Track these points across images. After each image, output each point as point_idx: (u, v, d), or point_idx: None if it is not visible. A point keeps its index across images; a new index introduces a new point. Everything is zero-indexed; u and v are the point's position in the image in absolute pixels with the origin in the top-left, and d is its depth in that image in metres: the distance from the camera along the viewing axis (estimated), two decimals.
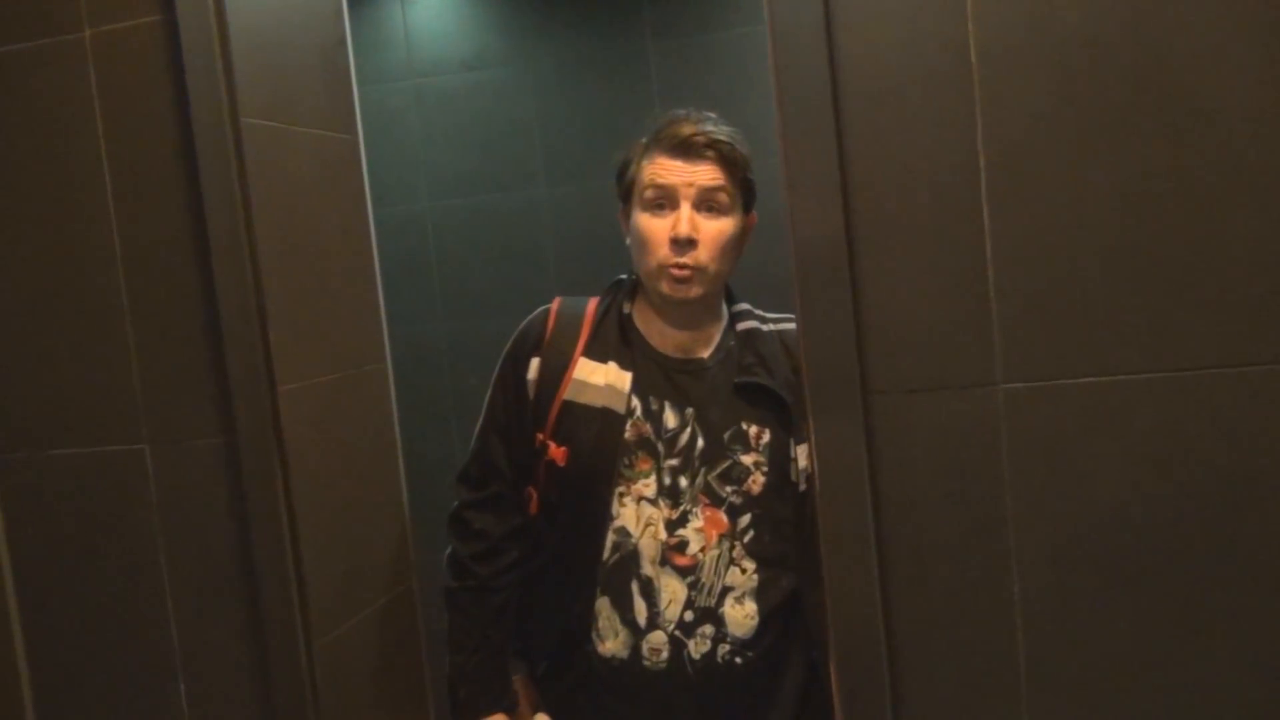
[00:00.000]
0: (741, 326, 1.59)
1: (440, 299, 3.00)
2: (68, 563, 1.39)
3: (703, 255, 1.48)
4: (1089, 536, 1.02)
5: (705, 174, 1.49)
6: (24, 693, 1.39)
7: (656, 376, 1.55)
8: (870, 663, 1.05)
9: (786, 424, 1.52)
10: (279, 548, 1.26)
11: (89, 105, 1.32)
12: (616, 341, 1.57)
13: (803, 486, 1.48)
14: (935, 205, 1.02)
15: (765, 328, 1.59)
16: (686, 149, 1.49)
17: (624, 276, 1.65)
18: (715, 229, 1.49)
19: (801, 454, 1.49)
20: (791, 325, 1.56)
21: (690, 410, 1.52)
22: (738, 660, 1.50)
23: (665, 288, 1.50)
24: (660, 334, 1.57)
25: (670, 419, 1.52)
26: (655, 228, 1.50)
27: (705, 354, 1.57)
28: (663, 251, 1.49)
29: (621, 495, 1.50)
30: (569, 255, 2.90)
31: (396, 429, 1.57)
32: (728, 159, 1.50)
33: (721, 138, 1.50)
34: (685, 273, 1.48)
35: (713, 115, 1.55)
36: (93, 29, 1.31)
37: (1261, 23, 0.94)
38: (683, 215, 1.48)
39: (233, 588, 1.32)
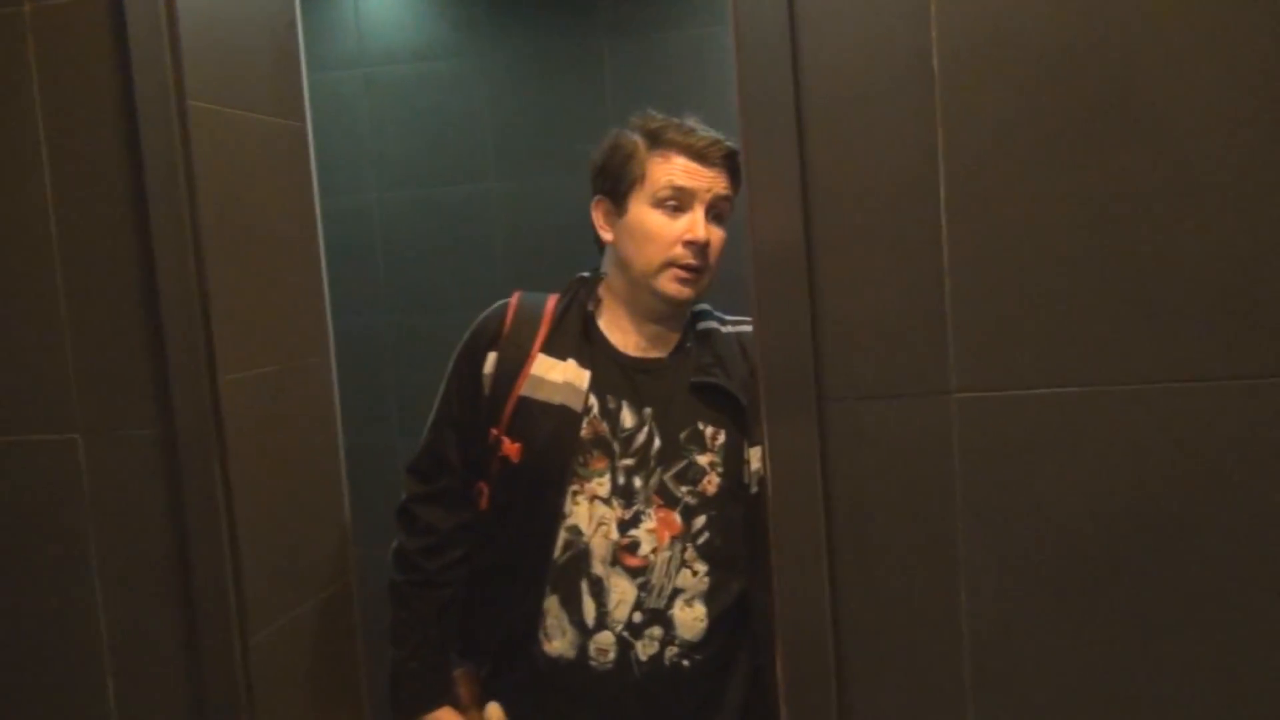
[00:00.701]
0: (701, 327, 1.59)
1: (385, 292, 2.96)
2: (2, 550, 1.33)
3: (710, 260, 1.52)
4: (1039, 548, 1.02)
5: (719, 182, 1.52)
6: None
7: (615, 375, 1.54)
8: (817, 670, 1.04)
9: (742, 425, 1.51)
10: (215, 542, 1.22)
11: (27, 81, 1.27)
12: (577, 339, 1.57)
13: (754, 489, 1.48)
14: (894, 211, 1.02)
15: (724, 329, 1.60)
16: (705, 156, 1.51)
17: (585, 274, 1.64)
18: (720, 237, 1.53)
19: (754, 456, 1.48)
20: (749, 328, 1.57)
21: (647, 410, 1.52)
22: (685, 663, 1.49)
23: (666, 284, 1.51)
24: (622, 333, 1.57)
25: (627, 418, 1.52)
26: (667, 227, 1.50)
27: (664, 354, 1.57)
28: (675, 250, 1.50)
29: (575, 494, 1.49)
30: (517, 250, 2.88)
31: (339, 423, 1.53)
32: (735, 172, 1.53)
33: (734, 149, 1.52)
34: (692, 275, 1.50)
35: (701, 119, 1.57)
36: (33, 2, 1.27)
37: (1222, 36, 0.95)
38: (699, 219, 1.49)
39: (165, 582, 1.28)
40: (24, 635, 1.34)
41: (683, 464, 1.50)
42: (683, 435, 1.51)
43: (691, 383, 1.52)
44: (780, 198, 1.01)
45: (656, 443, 1.50)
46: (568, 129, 2.85)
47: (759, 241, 1.02)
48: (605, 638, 1.49)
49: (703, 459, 1.50)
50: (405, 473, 1.64)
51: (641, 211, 1.52)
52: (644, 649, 1.48)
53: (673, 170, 1.51)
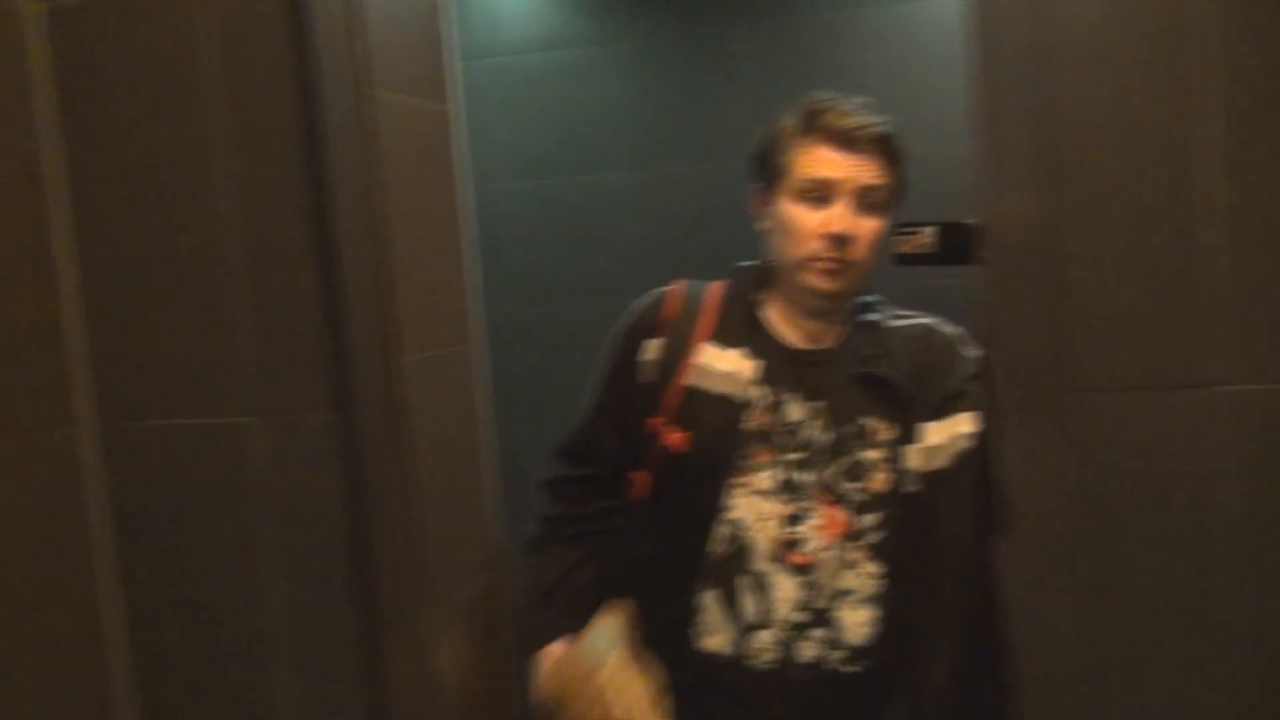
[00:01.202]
0: (865, 318, 1.53)
1: (510, 283, 2.94)
2: (171, 537, 1.34)
3: (856, 253, 1.43)
4: None
5: (867, 170, 1.43)
6: (122, 668, 1.34)
7: (781, 367, 1.49)
8: (1064, 684, 0.96)
9: (907, 421, 1.45)
10: (394, 527, 1.20)
11: (211, 65, 1.26)
12: (742, 329, 1.52)
13: (911, 488, 1.42)
14: (1146, 188, 0.93)
15: (891, 322, 1.53)
16: (849, 142, 1.43)
17: (746, 263, 1.59)
18: (870, 228, 1.44)
19: (913, 455, 1.42)
20: (919, 322, 1.52)
21: (814, 404, 1.46)
22: (847, 668, 1.43)
23: (812, 279, 1.45)
24: (788, 324, 1.52)
25: (793, 411, 1.46)
26: (806, 220, 1.44)
27: (830, 346, 1.51)
28: (813, 244, 1.43)
29: (736, 487, 1.44)
30: (646, 241, 2.84)
31: (491, 409, 1.52)
32: (891, 155, 1.45)
33: (887, 132, 1.44)
34: (835, 265, 1.43)
35: (864, 101, 1.48)
36: None
37: None
38: (839, 212, 1.42)
39: (338, 568, 1.26)
40: (202, 615, 1.34)
41: (849, 460, 1.45)
42: (849, 430, 1.46)
43: (855, 373, 1.47)
44: (1020, 169, 0.93)
45: (823, 437, 1.45)
46: (700, 118, 2.80)
47: (995, 224, 0.94)
48: (765, 636, 1.43)
49: (870, 454, 1.45)
50: (553, 455, 1.60)
51: (785, 204, 1.47)
52: (805, 650, 1.43)
53: (814, 161, 1.44)
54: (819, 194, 1.43)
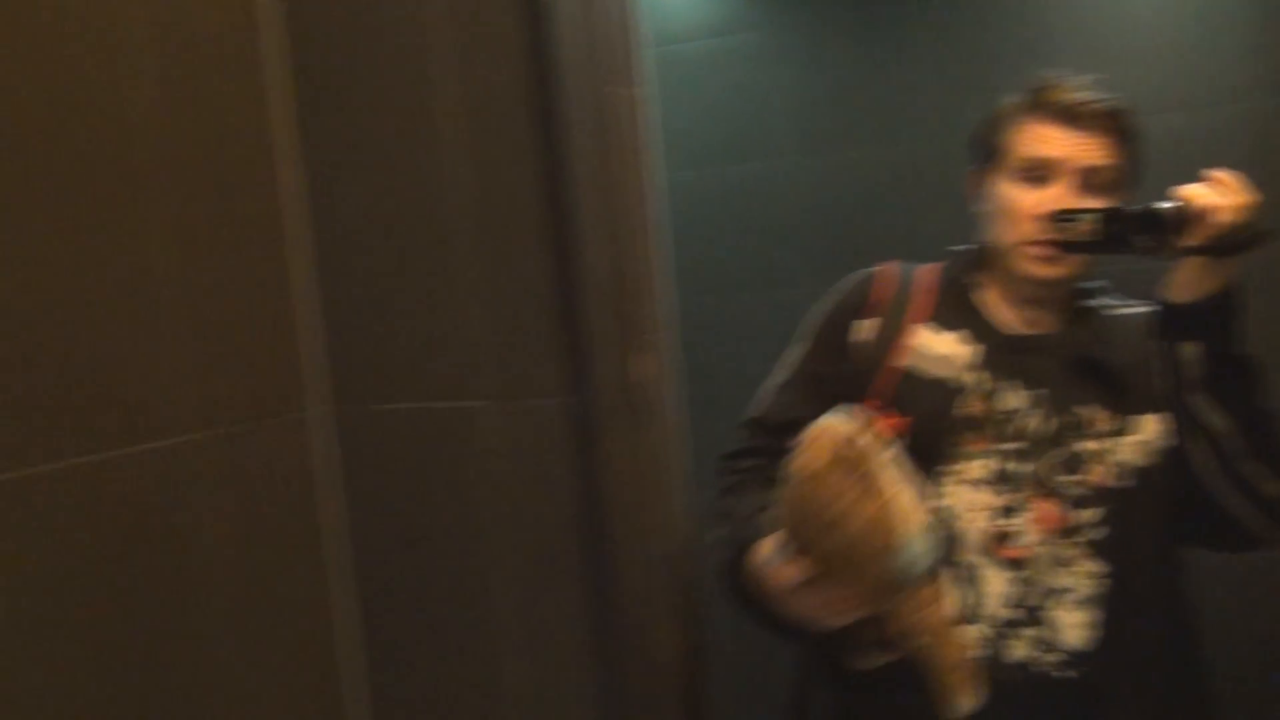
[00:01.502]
0: (1087, 304, 1.47)
1: (677, 273, 2.92)
2: (401, 522, 1.34)
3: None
4: None
5: (1092, 149, 1.37)
6: (352, 650, 1.36)
7: (998, 353, 1.43)
8: None
9: (1126, 412, 1.38)
10: (631, 512, 1.19)
11: (442, 41, 1.25)
12: (958, 312, 1.47)
13: (1124, 483, 1.35)
14: None
15: (1114, 310, 1.47)
16: (1074, 118, 1.37)
17: (960, 247, 1.55)
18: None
19: (1128, 448, 1.35)
20: (1143, 310, 1.44)
21: (1032, 392, 1.40)
22: (1065, 673, 1.34)
23: (1026, 265, 1.40)
24: (1004, 309, 1.46)
25: (1010, 399, 1.40)
26: (1023, 201, 1.39)
27: (1049, 332, 1.45)
28: (1028, 227, 1.38)
29: (947, 475, 1.39)
30: (817, 230, 2.78)
31: (684, 401, 1.50)
32: (1120, 133, 1.37)
33: (1117, 107, 1.37)
34: (1051, 251, 1.36)
35: (1094, 77, 1.41)
36: None
37: None
38: (1059, 193, 1.36)
39: (570, 550, 1.24)
40: (427, 603, 1.34)
41: (1066, 451, 1.37)
42: (1066, 420, 1.39)
43: (1075, 358, 1.40)
44: None
45: (1042, 427, 1.38)
46: (874, 101, 2.73)
47: None
48: (971, 631, 1.36)
49: (1088, 446, 1.37)
50: (741, 427, 1.56)
51: (1001, 184, 1.42)
52: (1015, 649, 1.35)
53: (1035, 138, 1.39)
54: (1038, 174, 1.38)
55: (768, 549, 1.28)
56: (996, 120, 1.46)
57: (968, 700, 1.09)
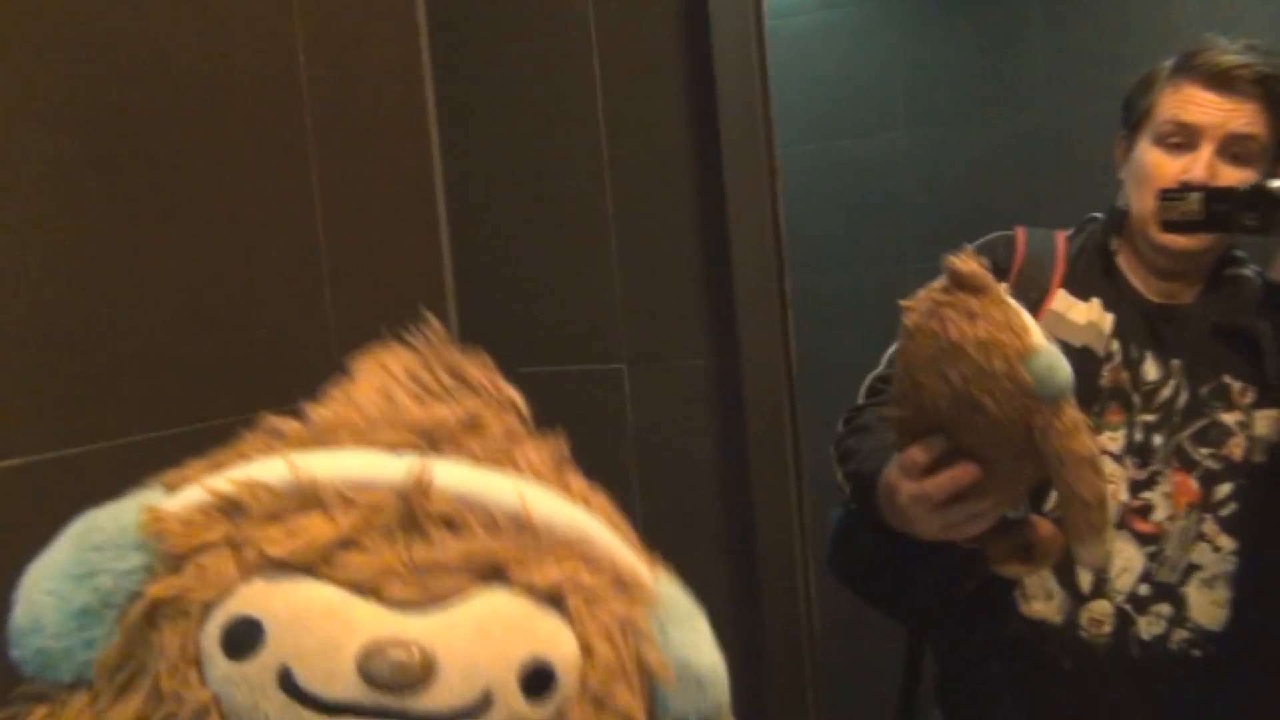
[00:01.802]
0: (1229, 272, 1.43)
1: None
2: None
3: None
4: None
5: (1240, 116, 1.33)
6: None
7: (1138, 321, 1.40)
8: None
9: (1266, 385, 1.35)
10: (776, 474, 1.18)
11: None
12: (1096, 279, 1.43)
13: (1259, 458, 1.32)
14: None
15: (1256, 280, 1.43)
16: (1225, 82, 1.32)
17: (1097, 215, 1.51)
18: (1237, 180, 1.32)
19: (1264, 421, 1.32)
20: None
21: (1173, 362, 1.37)
22: (1195, 652, 1.31)
23: (1160, 234, 1.36)
24: (1142, 277, 1.43)
25: (1150, 370, 1.37)
26: (1164, 167, 1.35)
27: (1189, 300, 1.42)
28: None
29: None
30: (928, 205, 2.74)
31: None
32: (1274, 100, 1.33)
33: (1273, 72, 1.32)
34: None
35: (1251, 43, 1.37)
36: None
37: None
38: (1201, 159, 1.32)
39: (715, 513, 1.25)
40: None
41: (1204, 423, 1.34)
42: (1206, 390, 1.36)
43: (1215, 324, 1.37)
44: None
45: (1181, 398, 1.35)
46: (983, 74, 2.69)
47: None
48: (1102, 607, 1.33)
49: (1228, 418, 1.34)
50: (865, 389, 1.50)
51: (1143, 148, 1.39)
52: (1147, 627, 1.32)
53: (1181, 101, 1.35)
54: (1181, 139, 1.34)
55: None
56: (1146, 82, 1.43)
57: (1103, 547, 1.00)
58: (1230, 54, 1.34)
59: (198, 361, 1.01)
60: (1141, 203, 1.38)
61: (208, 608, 0.59)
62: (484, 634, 0.61)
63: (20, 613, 0.59)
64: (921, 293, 1.03)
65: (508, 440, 0.71)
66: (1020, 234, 1.50)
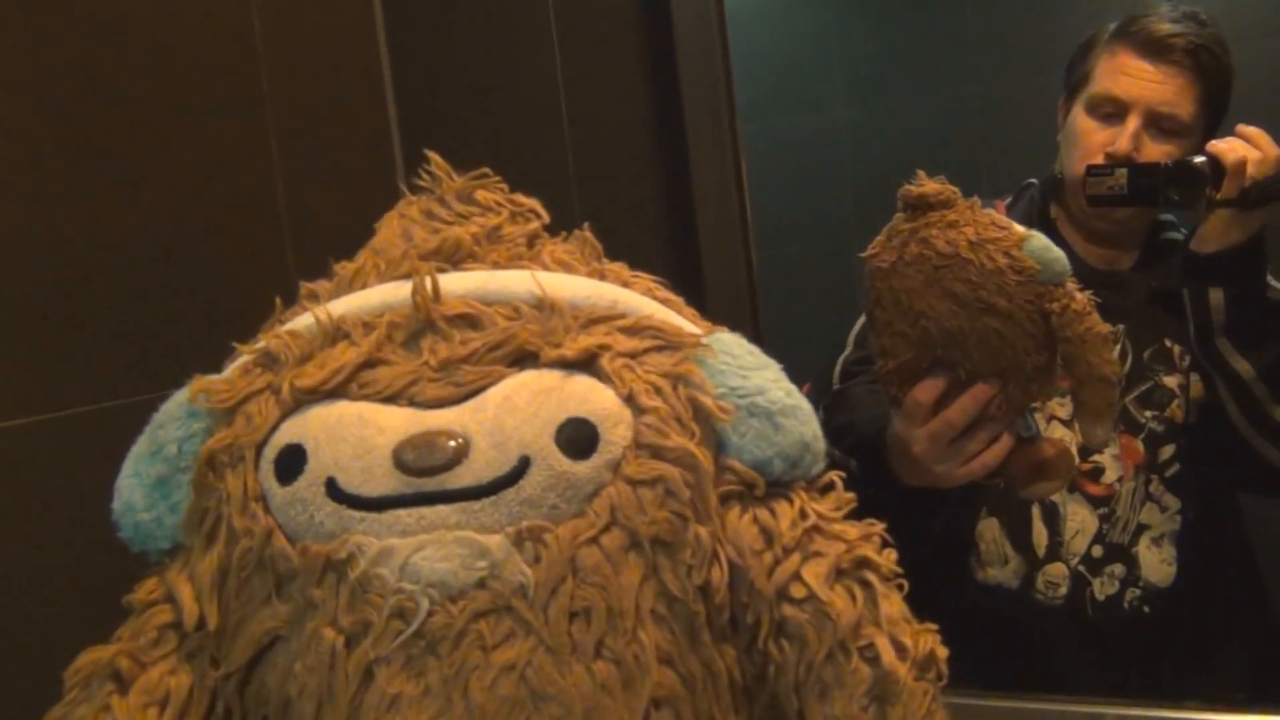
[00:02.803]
0: (1164, 237, 1.42)
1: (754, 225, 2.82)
2: None
3: None
4: None
5: (1169, 88, 1.31)
6: None
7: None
8: None
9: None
10: None
11: None
12: None
13: (1196, 419, 1.34)
14: None
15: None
16: (1158, 51, 1.31)
17: (1033, 180, 1.49)
18: (1161, 153, 1.31)
19: (1196, 383, 1.33)
20: None
21: (1118, 326, 1.32)
22: (1147, 609, 1.32)
23: (1088, 202, 1.34)
24: (1080, 244, 1.41)
25: None
26: (1091, 136, 1.35)
27: (1128, 266, 1.41)
28: (1095, 162, 1.33)
29: (1034, 413, 1.30)
30: (868, 182, 2.62)
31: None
32: (1205, 72, 1.31)
33: (1207, 44, 1.31)
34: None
35: (1194, 11, 1.34)
36: None
37: None
38: (1127, 131, 1.31)
39: None
40: None
41: (1147, 385, 1.35)
42: (1148, 354, 1.36)
43: (1152, 289, 1.36)
44: None
45: (1127, 362, 1.35)
46: (924, 47, 2.59)
47: None
48: (1058, 569, 1.34)
49: (1170, 380, 1.35)
50: (823, 374, 1.49)
51: (1076, 113, 1.38)
52: (1101, 588, 1.33)
53: (1113, 70, 1.33)
54: (1110, 109, 1.34)
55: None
56: (1087, 45, 1.40)
57: (1107, 428, 1.00)
58: (1168, 22, 1.32)
59: (161, 325, 1.04)
60: (1072, 167, 1.37)
61: (259, 448, 0.62)
62: (511, 404, 0.60)
63: (116, 500, 0.64)
64: (880, 238, 1.03)
65: (529, 244, 0.70)
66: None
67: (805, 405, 0.65)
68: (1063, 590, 1.34)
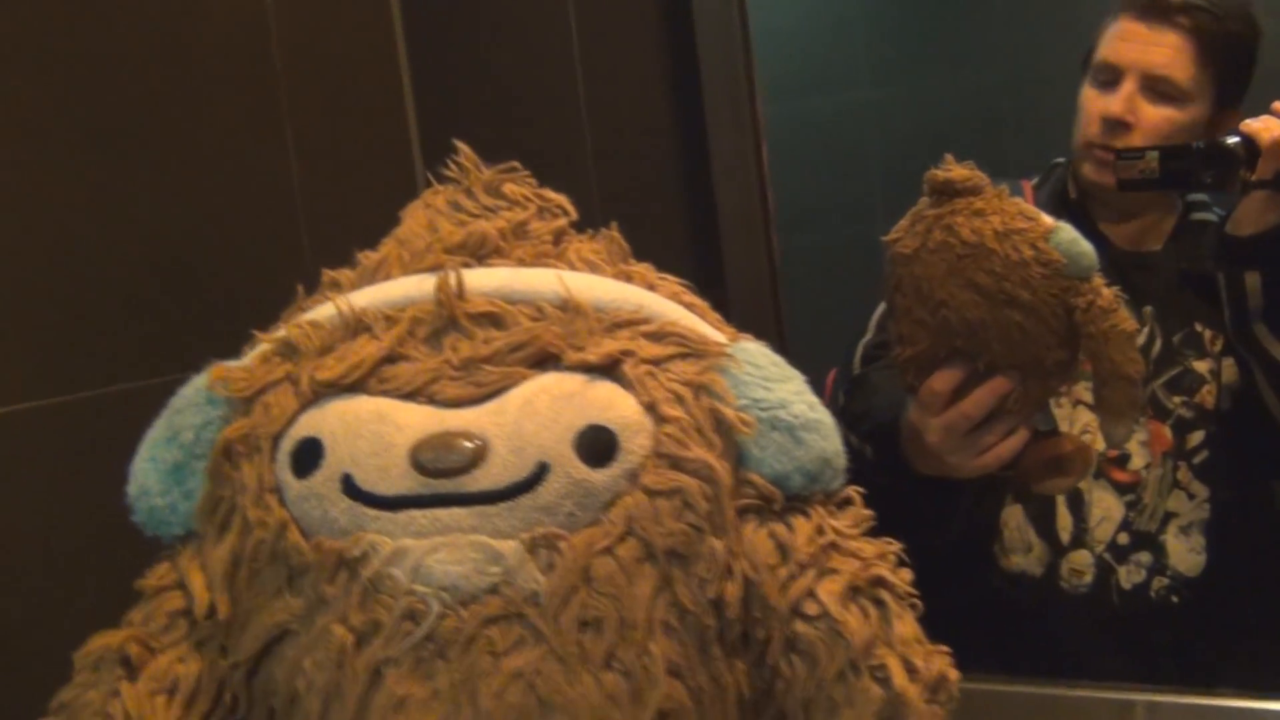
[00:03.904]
0: (1195, 217, 1.39)
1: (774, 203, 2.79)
2: None
3: (1135, 141, 1.29)
4: None
5: (1163, 49, 1.29)
6: None
7: (1109, 269, 1.36)
8: None
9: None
10: None
11: None
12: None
13: (1226, 405, 1.31)
14: None
15: (1222, 221, 1.35)
16: (1154, 12, 1.28)
17: (1060, 160, 1.46)
18: (1158, 117, 1.29)
19: (1229, 367, 1.30)
20: None
21: (1145, 309, 1.33)
22: (1174, 599, 1.30)
23: (1086, 170, 1.35)
24: (1107, 224, 1.38)
25: None
26: (1092, 103, 1.33)
27: (1157, 247, 1.38)
28: (1092, 129, 1.32)
29: (1061, 397, 1.32)
30: (894, 162, 2.58)
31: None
32: (1203, 34, 1.27)
33: (1203, 5, 1.27)
34: (1110, 156, 1.28)
35: None
36: None
37: None
38: (1120, 95, 1.29)
39: None
40: None
41: (1177, 370, 1.33)
42: (1177, 338, 1.33)
43: (1183, 272, 1.34)
44: None
45: (1156, 345, 1.33)
46: (947, 29, 2.55)
47: None
48: (1082, 557, 1.32)
49: (1200, 365, 1.32)
50: (847, 361, 1.49)
51: (1084, 86, 1.36)
52: (1127, 576, 1.31)
53: (1112, 36, 1.32)
54: (1108, 76, 1.31)
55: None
56: (1102, 24, 1.37)
57: (1130, 426, 0.98)
58: None
59: (175, 309, 1.04)
60: (1077, 138, 1.35)
61: (276, 440, 0.61)
62: (531, 409, 0.59)
63: (131, 484, 0.64)
64: (903, 222, 1.00)
65: (556, 241, 0.70)
66: None
67: (828, 419, 0.65)
68: (1087, 578, 1.32)
